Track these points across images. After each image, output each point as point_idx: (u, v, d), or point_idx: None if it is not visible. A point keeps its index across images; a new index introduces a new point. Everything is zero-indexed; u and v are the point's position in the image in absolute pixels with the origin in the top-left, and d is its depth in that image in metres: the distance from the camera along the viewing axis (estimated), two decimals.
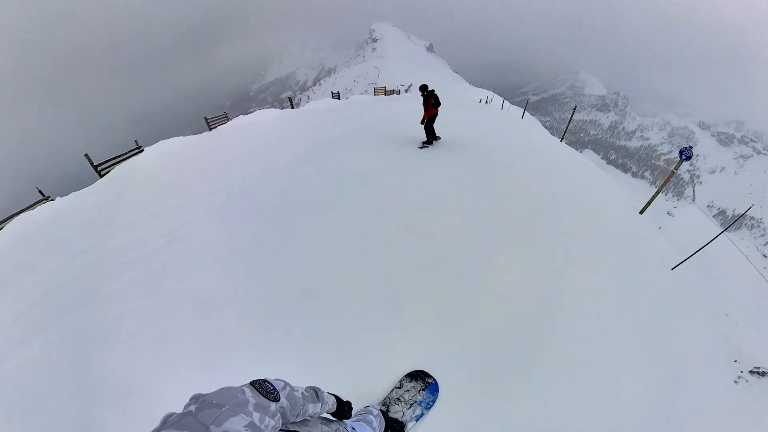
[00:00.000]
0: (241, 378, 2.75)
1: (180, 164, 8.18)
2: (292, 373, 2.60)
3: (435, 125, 8.52)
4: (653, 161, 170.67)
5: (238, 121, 11.89)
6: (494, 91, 47.14)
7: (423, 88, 8.21)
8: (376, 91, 27.01)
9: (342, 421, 1.68)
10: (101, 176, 9.26)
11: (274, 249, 4.49)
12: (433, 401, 2.99)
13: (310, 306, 3.70)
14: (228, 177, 6.64)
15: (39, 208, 7.46)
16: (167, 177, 7.48)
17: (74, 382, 3.09)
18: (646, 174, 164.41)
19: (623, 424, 2.97)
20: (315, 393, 1.39)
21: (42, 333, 3.62)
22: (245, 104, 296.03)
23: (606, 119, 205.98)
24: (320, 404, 1.39)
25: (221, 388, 0.94)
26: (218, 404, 0.85)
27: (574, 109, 15.96)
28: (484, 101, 27.58)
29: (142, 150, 10.69)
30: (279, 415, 1.01)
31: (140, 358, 3.21)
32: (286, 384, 1.16)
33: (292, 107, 17.25)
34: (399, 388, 3.00)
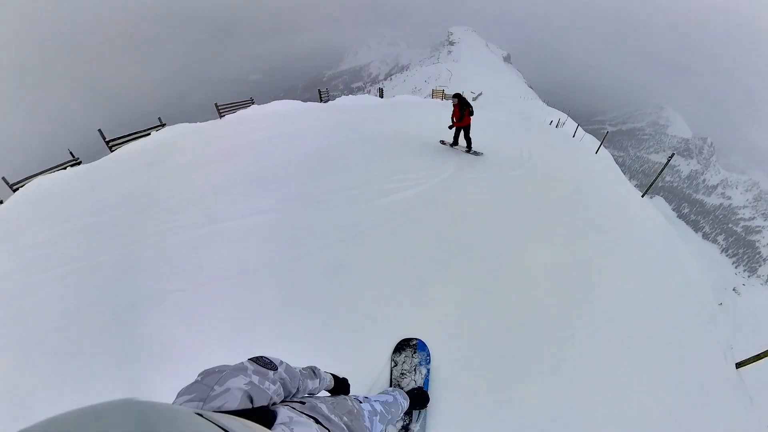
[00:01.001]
0: (268, 341, 3.16)
1: (170, 154, 7.39)
2: (313, 344, 3.21)
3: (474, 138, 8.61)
4: (730, 225, 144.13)
5: (252, 111, 10.90)
6: (568, 114, 44.60)
7: (459, 95, 8.23)
8: (434, 93, 26.49)
9: (356, 398, 1.71)
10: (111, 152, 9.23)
11: (305, 228, 4.69)
12: (429, 355, 3.18)
13: (337, 280, 3.88)
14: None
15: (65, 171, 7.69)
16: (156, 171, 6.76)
17: (120, 343, 3.27)
18: (719, 238, 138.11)
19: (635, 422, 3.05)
20: (312, 371, 1.45)
21: (83, 294, 3.81)
22: (316, 88, 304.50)
23: (686, 166, 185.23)
24: (318, 380, 1.46)
25: (222, 364, 1.02)
26: (219, 370, 0.97)
27: (670, 157, 11.37)
28: (555, 123, 26.18)
29: (164, 126, 10.89)
30: (279, 384, 1.08)
31: (178, 324, 3.39)
32: (283, 361, 1.22)
33: (321, 100, 16.17)
34: (395, 366, 3.14)
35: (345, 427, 1.27)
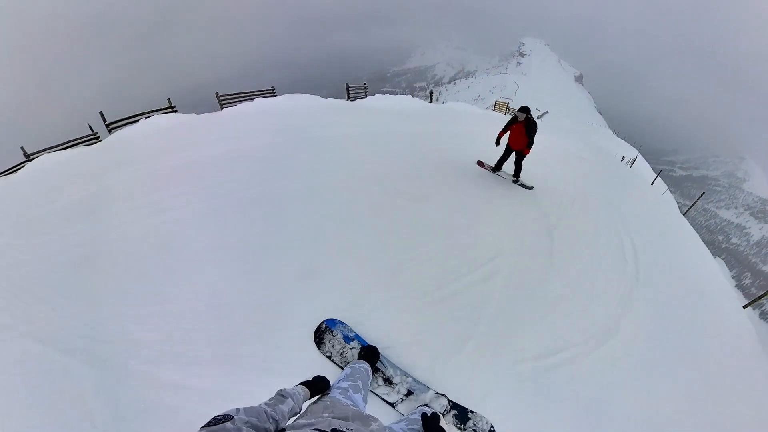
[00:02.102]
0: (253, 368, 3.29)
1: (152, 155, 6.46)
2: (300, 355, 3.37)
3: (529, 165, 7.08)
4: None
5: (259, 106, 9.30)
6: (639, 150, 40.85)
7: (527, 110, 6.44)
8: (497, 106, 24.84)
9: (328, 394, 1.81)
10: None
11: (265, 240, 4.66)
12: (343, 323, 3.48)
13: (312, 285, 4.07)
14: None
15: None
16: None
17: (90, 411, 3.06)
18: None
19: None
20: (280, 395, 1.48)
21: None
22: (380, 83, 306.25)
23: (758, 231, 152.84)
24: (289, 398, 1.48)
25: None
26: None
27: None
28: (626, 161, 23.79)
29: (175, 109, 10.38)
30: (246, 429, 1.09)
31: (159, 367, 3.30)
32: (239, 408, 1.19)
33: (348, 97, 13.77)
34: (331, 355, 3.28)
35: (330, 419, 1.35)
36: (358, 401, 1.88)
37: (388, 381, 3.13)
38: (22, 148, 9.73)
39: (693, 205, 14.10)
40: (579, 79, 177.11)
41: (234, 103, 11.42)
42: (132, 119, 9.79)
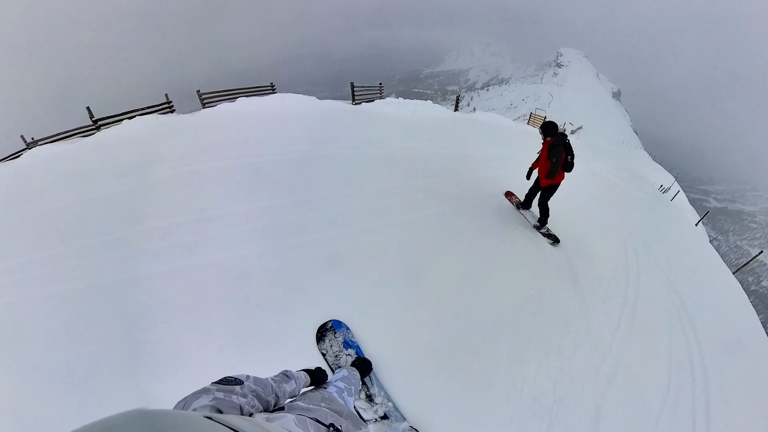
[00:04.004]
0: (271, 340, 3.60)
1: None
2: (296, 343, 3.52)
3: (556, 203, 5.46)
4: None
5: (234, 108, 8.26)
6: (675, 177, 38.49)
7: (549, 129, 4.99)
8: (532, 119, 23.35)
9: (325, 387, 1.87)
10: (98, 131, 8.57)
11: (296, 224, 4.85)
12: (348, 328, 3.56)
13: (336, 272, 4.24)
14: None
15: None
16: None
17: (124, 350, 3.45)
18: None
19: None
20: (285, 375, 1.54)
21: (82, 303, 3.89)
22: (412, 83, 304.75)
23: None
24: (293, 380, 1.53)
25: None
26: (183, 398, 1.01)
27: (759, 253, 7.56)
28: (663, 189, 21.95)
29: (173, 109, 9.85)
30: (252, 396, 1.14)
31: (182, 330, 3.58)
32: (250, 375, 1.26)
33: (353, 100, 11.86)
34: (326, 354, 3.38)
35: (327, 409, 1.37)
36: (350, 405, 1.89)
37: (369, 398, 3.19)
38: (22, 136, 10.48)
39: (749, 262, 12.35)
40: (617, 95, 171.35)
41: (216, 102, 10.60)
42: (122, 116, 9.14)
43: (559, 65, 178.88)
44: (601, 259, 5.74)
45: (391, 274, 4.40)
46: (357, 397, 3.05)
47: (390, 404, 3.16)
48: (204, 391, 1.04)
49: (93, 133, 8.14)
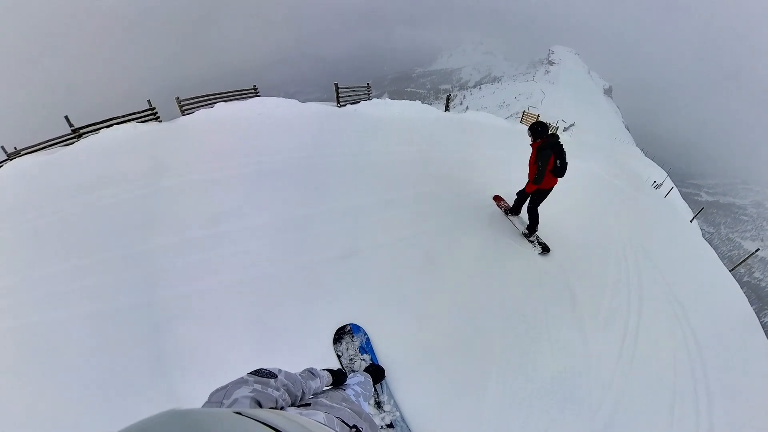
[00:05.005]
0: (291, 338, 3.78)
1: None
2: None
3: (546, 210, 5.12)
4: None
5: (212, 115, 7.79)
6: (667, 172, 38.18)
7: (538, 130, 4.64)
8: (524, 117, 22.94)
9: (344, 389, 1.92)
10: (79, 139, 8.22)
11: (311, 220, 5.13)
12: (366, 333, 3.56)
13: (352, 263, 4.52)
14: None
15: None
16: None
17: (151, 350, 3.66)
18: None
19: None
20: (310, 372, 1.57)
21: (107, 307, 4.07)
22: (404, 82, 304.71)
23: None
24: (318, 378, 1.56)
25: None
26: (223, 387, 1.04)
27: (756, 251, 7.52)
28: (655, 184, 21.59)
29: (157, 115, 9.47)
30: (283, 390, 1.15)
31: (205, 330, 3.80)
32: (281, 369, 1.28)
33: (338, 101, 11.09)
34: (342, 356, 3.42)
35: (349, 410, 1.38)
36: (365, 409, 1.88)
37: (378, 404, 3.20)
38: (2, 147, 10.26)
39: (745, 259, 12.10)
40: (608, 91, 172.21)
41: (195, 108, 10.05)
42: (102, 125, 8.66)
43: (550, 63, 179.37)
44: (599, 273, 5.33)
45: (404, 287, 4.49)
46: (368, 403, 3.03)
47: (398, 414, 3.18)
48: (243, 381, 1.07)
49: (73, 142, 7.79)
